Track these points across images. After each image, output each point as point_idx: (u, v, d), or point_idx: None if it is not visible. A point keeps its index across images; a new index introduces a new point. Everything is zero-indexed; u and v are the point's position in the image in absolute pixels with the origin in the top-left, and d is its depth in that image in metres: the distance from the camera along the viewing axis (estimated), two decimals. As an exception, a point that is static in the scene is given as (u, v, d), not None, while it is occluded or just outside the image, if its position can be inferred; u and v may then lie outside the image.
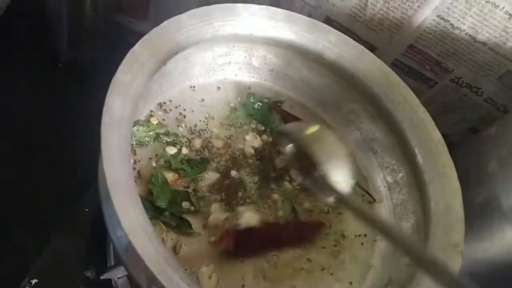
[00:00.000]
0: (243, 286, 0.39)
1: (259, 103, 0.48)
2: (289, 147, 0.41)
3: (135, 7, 0.64)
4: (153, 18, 0.64)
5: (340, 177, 0.38)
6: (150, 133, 0.41)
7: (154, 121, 0.42)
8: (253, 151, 0.45)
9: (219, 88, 0.49)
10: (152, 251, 0.29)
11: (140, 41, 0.36)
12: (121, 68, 0.33)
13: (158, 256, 0.29)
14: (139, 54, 0.35)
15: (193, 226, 0.39)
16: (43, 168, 0.52)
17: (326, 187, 0.37)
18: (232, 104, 0.48)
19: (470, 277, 0.43)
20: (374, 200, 0.47)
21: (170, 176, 0.40)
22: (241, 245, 0.38)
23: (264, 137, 0.47)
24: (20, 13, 0.61)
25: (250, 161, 0.45)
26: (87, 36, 0.62)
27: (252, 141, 0.46)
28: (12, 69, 0.59)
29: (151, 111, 0.44)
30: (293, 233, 0.42)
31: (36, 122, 0.56)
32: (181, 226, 0.39)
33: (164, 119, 0.44)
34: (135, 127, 0.41)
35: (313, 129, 0.40)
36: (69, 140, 0.55)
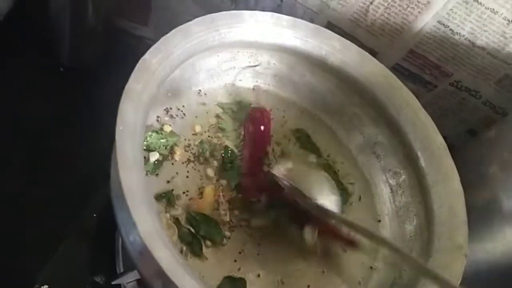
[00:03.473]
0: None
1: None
2: None
3: (136, 12, 0.65)
4: (154, 23, 0.65)
5: (328, 203, 0.40)
6: (162, 140, 0.42)
7: (167, 128, 0.43)
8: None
9: (223, 92, 0.49)
10: (168, 256, 0.29)
11: (150, 49, 0.36)
12: (133, 76, 0.34)
13: (174, 261, 0.29)
14: (150, 62, 0.36)
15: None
16: (50, 173, 0.52)
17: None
18: (234, 109, 0.49)
19: (473, 278, 0.44)
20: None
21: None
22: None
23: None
24: (22, 18, 0.61)
25: None
26: (88, 41, 0.63)
27: None
28: (14, 73, 0.60)
29: (158, 117, 0.44)
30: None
31: (38, 126, 0.56)
32: (193, 245, 0.39)
33: (170, 125, 0.45)
34: (148, 133, 0.41)
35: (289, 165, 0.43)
36: (73, 144, 0.56)
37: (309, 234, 0.40)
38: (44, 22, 0.59)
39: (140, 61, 0.35)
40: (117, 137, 0.31)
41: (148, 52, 0.36)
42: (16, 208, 0.49)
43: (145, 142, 0.41)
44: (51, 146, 0.55)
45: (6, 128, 0.56)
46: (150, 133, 0.42)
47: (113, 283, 0.42)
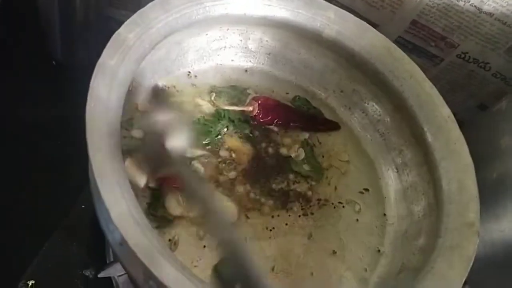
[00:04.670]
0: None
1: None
2: None
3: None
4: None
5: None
6: None
7: None
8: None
9: (215, 74, 0.47)
10: (146, 244, 0.27)
11: (125, 23, 0.34)
12: (106, 51, 0.31)
13: (153, 249, 0.27)
14: (125, 37, 0.33)
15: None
16: (38, 168, 0.51)
17: None
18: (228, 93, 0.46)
19: (488, 259, 0.41)
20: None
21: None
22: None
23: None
24: (11, 12, 0.59)
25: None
26: (79, 32, 0.60)
27: None
28: (5, 68, 0.58)
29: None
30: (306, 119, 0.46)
31: (30, 121, 0.55)
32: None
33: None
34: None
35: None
36: (64, 139, 0.54)
37: None
38: (34, 16, 0.57)
39: (114, 35, 0.32)
40: (87, 116, 0.28)
41: (123, 25, 0.33)
42: (4, 202, 0.47)
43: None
44: (42, 141, 0.53)
45: None
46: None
47: (99, 275, 0.40)
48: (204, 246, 0.37)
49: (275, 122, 0.45)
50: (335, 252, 0.40)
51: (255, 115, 0.45)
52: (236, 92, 0.46)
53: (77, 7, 0.57)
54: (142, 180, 0.35)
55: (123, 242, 0.27)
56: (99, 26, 0.61)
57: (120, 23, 0.63)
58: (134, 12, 0.62)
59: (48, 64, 0.61)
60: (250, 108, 0.44)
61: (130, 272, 0.29)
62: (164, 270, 0.26)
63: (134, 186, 0.31)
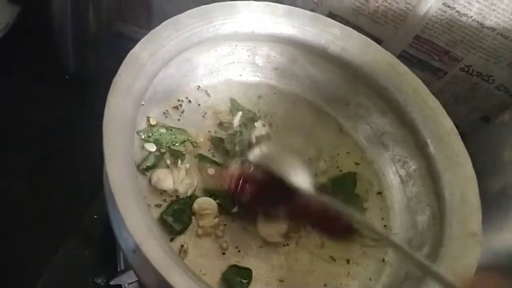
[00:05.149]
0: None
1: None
2: None
3: (138, 16, 0.65)
4: (156, 26, 0.64)
5: (301, 179, 0.37)
6: (171, 136, 0.42)
7: (171, 124, 0.43)
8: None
9: (224, 88, 0.48)
10: (160, 252, 0.28)
11: (139, 42, 0.35)
12: (121, 69, 0.33)
13: (167, 257, 0.28)
14: (139, 55, 0.35)
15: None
16: (51, 176, 0.52)
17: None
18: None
19: (491, 269, 0.42)
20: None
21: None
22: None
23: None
24: (27, 28, 0.62)
25: None
26: (91, 47, 0.63)
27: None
28: (20, 82, 0.60)
29: (165, 112, 0.44)
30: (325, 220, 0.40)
31: (44, 133, 0.57)
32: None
33: (179, 119, 0.44)
34: (162, 130, 0.41)
35: (264, 148, 0.40)
36: (77, 149, 0.55)
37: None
38: (48, 31, 0.60)
39: (129, 54, 0.34)
40: (104, 130, 0.30)
41: (137, 45, 0.35)
42: (18, 211, 0.49)
43: (154, 137, 0.41)
44: (55, 151, 0.55)
45: (12, 135, 0.56)
46: (159, 128, 0.42)
47: (111, 283, 0.41)
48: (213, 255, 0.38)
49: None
50: (340, 261, 0.41)
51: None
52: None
53: (89, 23, 0.59)
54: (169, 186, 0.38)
55: (137, 250, 0.28)
56: (110, 41, 0.63)
57: (130, 39, 0.66)
58: (144, 28, 0.65)
59: (62, 77, 0.63)
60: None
61: (142, 279, 0.31)
62: (176, 277, 0.27)
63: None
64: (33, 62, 0.63)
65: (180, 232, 0.38)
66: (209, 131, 0.45)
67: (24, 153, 0.55)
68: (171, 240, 0.37)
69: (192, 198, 0.39)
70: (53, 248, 0.45)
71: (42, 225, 0.48)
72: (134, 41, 0.66)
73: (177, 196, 0.39)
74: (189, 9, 0.47)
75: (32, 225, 0.48)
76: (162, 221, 0.37)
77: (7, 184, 0.51)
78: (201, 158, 0.42)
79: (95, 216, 0.48)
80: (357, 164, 0.48)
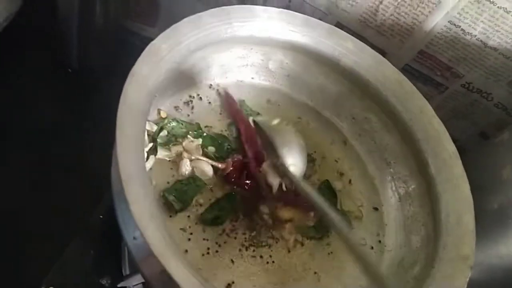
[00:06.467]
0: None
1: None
2: None
3: (144, 13, 0.65)
4: (162, 24, 0.65)
5: (293, 160, 0.38)
6: (182, 129, 0.43)
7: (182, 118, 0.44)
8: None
9: (235, 89, 0.49)
10: (161, 241, 0.29)
11: (160, 35, 0.36)
12: (140, 59, 0.34)
13: (168, 248, 0.29)
14: (159, 47, 0.36)
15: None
16: (56, 176, 0.52)
17: (281, 171, 0.38)
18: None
19: (487, 284, 0.42)
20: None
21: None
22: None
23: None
24: (30, 19, 0.61)
25: None
26: (96, 42, 0.62)
27: None
28: (22, 76, 0.60)
29: (175, 107, 0.45)
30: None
31: (47, 129, 0.56)
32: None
33: (189, 115, 0.45)
34: (173, 123, 0.42)
35: (275, 121, 0.41)
36: (81, 146, 0.55)
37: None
38: (52, 24, 0.59)
39: (149, 45, 0.35)
40: (118, 119, 0.30)
41: (158, 37, 0.36)
42: (23, 211, 0.49)
43: (167, 127, 0.42)
44: (58, 148, 0.55)
45: (15, 129, 0.56)
46: (170, 120, 0.42)
47: (118, 286, 0.42)
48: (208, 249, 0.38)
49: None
50: (332, 273, 0.42)
51: (227, 174, 0.42)
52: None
53: (96, 19, 0.59)
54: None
55: (138, 236, 0.29)
56: (115, 36, 0.63)
57: (135, 35, 0.66)
58: (150, 26, 0.65)
59: (64, 71, 0.63)
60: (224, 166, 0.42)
61: (150, 282, 0.31)
62: (177, 269, 0.28)
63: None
64: (34, 56, 0.62)
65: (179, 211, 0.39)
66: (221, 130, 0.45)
67: (28, 152, 0.54)
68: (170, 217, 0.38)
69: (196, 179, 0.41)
70: (59, 249, 0.45)
71: (47, 226, 0.48)
72: (139, 37, 0.67)
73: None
74: (194, 7, 0.48)
75: (37, 225, 0.48)
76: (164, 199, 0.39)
77: (12, 184, 0.51)
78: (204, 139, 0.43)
79: (101, 217, 0.48)
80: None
